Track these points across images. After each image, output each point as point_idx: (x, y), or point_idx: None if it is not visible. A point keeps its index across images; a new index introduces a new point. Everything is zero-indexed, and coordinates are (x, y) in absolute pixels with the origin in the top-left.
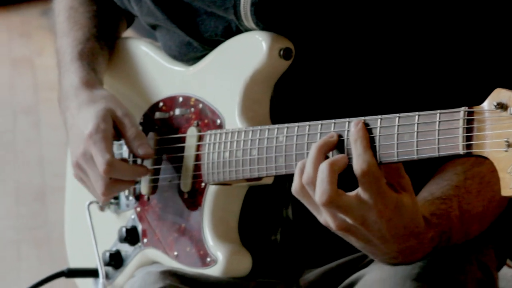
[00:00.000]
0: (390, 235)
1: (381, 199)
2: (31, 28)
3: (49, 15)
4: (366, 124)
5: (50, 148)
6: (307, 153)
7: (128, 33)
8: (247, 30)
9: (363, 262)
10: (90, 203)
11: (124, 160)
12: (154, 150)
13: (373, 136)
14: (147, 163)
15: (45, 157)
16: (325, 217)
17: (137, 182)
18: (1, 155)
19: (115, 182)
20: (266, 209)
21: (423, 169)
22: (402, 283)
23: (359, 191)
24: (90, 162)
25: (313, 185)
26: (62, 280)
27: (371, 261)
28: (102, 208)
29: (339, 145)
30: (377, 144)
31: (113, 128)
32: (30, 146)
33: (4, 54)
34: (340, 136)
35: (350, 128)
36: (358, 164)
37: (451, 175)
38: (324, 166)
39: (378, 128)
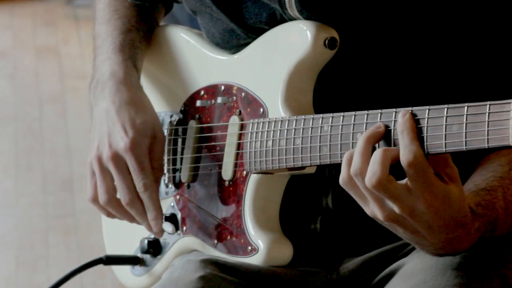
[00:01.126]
0: (437, 226)
1: (429, 190)
2: (56, 17)
3: (73, 4)
4: (413, 115)
5: (76, 136)
6: (353, 143)
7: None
8: (291, 18)
9: (403, 251)
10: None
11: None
12: (194, 138)
13: (421, 127)
14: (188, 151)
15: (71, 145)
16: (372, 208)
17: (177, 170)
18: (28, 143)
19: (140, 203)
20: (306, 198)
21: (468, 160)
22: (443, 272)
23: (407, 181)
24: (121, 169)
25: (361, 176)
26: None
27: (411, 250)
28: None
29: (386, 135)
30: (424, 135)
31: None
32: (56, 135)
33: (29, 43)
34: (387, 126)
35: (398, 119)
36: (405, 155)
37: (495, 166)
38: (378, 152)
39: (426, 119)
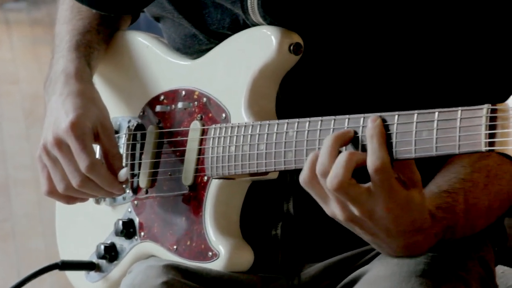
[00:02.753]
0: (396, 231)
1: (391, 196)
2: None
3: (4, 8)
4: (383, 121)
5: (10, 140)
6: (319, 149)
7: None
8: (254, 24)
9: (365, 258)
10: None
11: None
12: (153, 143)
13: (390, 133)
14: (147, 156)
15: (6, 150)
16: (333, 208)
17: (135, 175)
18: None
19: (93, 181)
20: (267, 204)
21: (432, 162)
22: (407, 279)
23: (370, 185)
24: (65, 152)
25: (326, 175)
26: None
27: (374, 256)
28: (97, 201)
29: (354, 140)
30: (393, 140)
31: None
32: None
33: None
34: (355, 132)
35: (367, 124)
36: (372, 161)
37: (458, 167)
38: (343, 154)
39: (395, 125)
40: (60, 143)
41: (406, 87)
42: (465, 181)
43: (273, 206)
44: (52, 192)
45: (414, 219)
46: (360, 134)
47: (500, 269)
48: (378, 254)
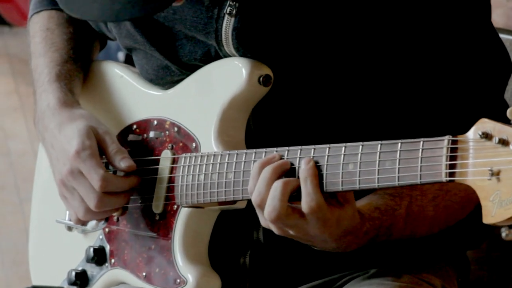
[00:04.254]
0: (329, 239)
1: (325, 224)
2: None
3: None
4: (315, 162)
5: None
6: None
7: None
8: (226, 55)
9: (333, 286)
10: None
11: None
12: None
13: (322, 173)
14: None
15: None
16: (269, 225)
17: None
18: None
19: (109, 196)
20: (237, 232)
21: None
22: None
23: (306, 215)
24: (79, 179)
25: (263, 204)
26: None
27: (342, 285)
28: (69, 228)
29: (290, 172)
30: (340, 171)
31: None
32: None
33: None
34: (291, 164)
35: (301, 165)
36: (307, 202)
37: None
38: (278, 184)
39: (342, 155)
40: (72, 172)
41: (371, 117)
42: (414, 189)
43: (242, 234)
44: (78, 220)
45: (345, 228)
46: (296, 165)
47: None
48: (345, 283)
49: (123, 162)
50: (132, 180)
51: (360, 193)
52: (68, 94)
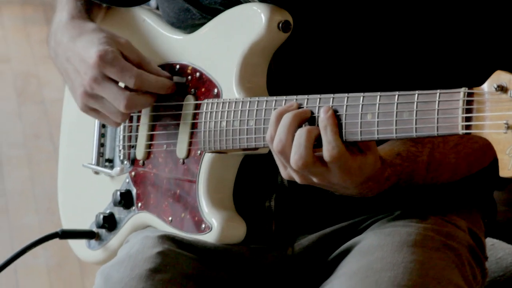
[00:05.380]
0: (351, 186)
1: (347, 172)
2: None
3: None
4: (335, 111)
5: (3, 118)
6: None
7: None
8: (246, 0)
9: (358, 228)
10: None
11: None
12: (150, 116)
13: (340, 123)
14: (143, 128)
15: None
16: (291, 175)
17: (132, 147)
18: None
19: (138, 96)
20: (261, 176)
21: None
22: (399, 249)
23: (328, 163)
24: (105, 84)
25: (286, 151)
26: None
27: (367, 227)
28: (96, 172)
29: (310, 120)
30: (359, 121)
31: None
32: None
33: None
34: (312, 112)
35: (320, 114)
36: (329, 151)
37: None
38: (302, 132)
39: (360, 106)
40: (96, 79)
41: (395, 66)
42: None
43: (267, 178)
44: (118, 124)
45: (368, 175)
46: (316, 114)
47: (490, 242)
48: (370, 225)
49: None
50: (165, 81)
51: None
52: (83, 12)
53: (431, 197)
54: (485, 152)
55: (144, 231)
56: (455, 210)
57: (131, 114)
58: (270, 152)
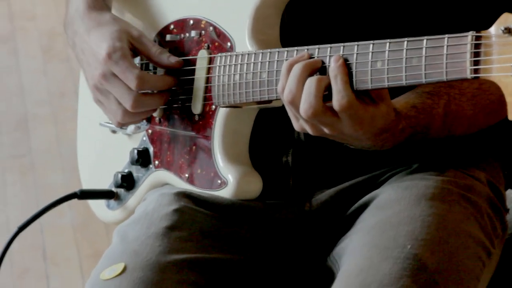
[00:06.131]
0: (364, 137)
1: (358, 122)
2: None
3: None
4: (345, 60)
5: (28, 76)
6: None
7: None
8: None
9: (376, 182)
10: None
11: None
12: (165, 72)
13: (366, 62)
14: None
15: (24, 85)
16: (303, 126)
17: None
18: None
19: (145, 96)
20: (277, 131)
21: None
22: (417, 203)
23: (338, 113)
24: (113, 81)
25: (296, 101)
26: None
27: (384, 181)
28: (114, 131)
29: (321, 70)
30: (369, 69)
31: (129, 49)
32: (8, 75)
33: None
34: (323, 62)
35: (330, 63)
36: (338, 100)
37: None
38: (312, 81)
39: (370, 53)
40: (105, 76)
41: (400, 10)
42: (453, 87)
43: (283, 133)
44: (119, 123)
45: (380, 126)
46: (327, 64)
47: (511, 194)
48: (388, 179)
49: (172, 58)
50: (168, 79)
51: (396, 91)
52: (98, 0)
53: (450, 149)
54: (502, 103)
55: (161, 189)
56: (474, 163)
57: (147, 71)
58: (284, 107)
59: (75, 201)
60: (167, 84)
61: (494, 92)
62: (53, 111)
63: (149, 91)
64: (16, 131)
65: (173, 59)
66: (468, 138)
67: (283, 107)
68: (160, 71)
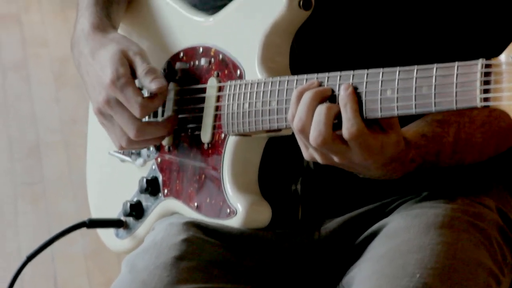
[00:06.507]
0: (374, 167)
1: (367, 151)
2: None
3: None
4: (355, 88)
5: (41, 103)
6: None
7: None
8: None
9: (385, 211)
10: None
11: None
12: (174, 100)
13: (376, 90)
14: (168, 114)
15: (36, 112)
16: (313, 155)
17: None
18: None
19: (148, 125)
20: (287, 159)
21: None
22: (426, 231)
23: (348, 141)
24: (117, 108)
25: (306, 132)
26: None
27: (393, 209)
28: (123, 160)
29: (331, 98)
30: (378, 97)
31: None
32: (21, 102)
33: None
34: (332, 91)
35: (340, 92)
36: (347, 128)
37: None
38: (321, 109)
39: (380, 81)
40: (109, 102)
41: (414, 42)
42: (462, 115)
43: (292, 162)
44: (122, 147)
45: (390, 155)
46: (336, 92)
47: None
48: (397, 207)
49: (153, 83)
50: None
51: (406, 118)
52: (103, 19)
53: (459, 177)
54: None
55: (169, 218)
56: (484, 190)
57: None
58: (294, 134)
59: (86, 229)
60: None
61: (504, 119)
62: (65, 138)
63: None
64: (28, 158)
65: (154, 85)
66: (478, 165)
67: (292, 135)
68: (169, 101)
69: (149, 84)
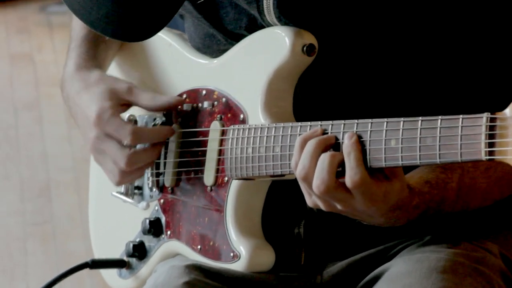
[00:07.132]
0: (377, 215)
1: (370, 199)
2: (29, 24)
3: (47, 11)
4: (359, 137)
5: (52, 142)
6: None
7: None
8: (269, 25)
9: (387, 255)
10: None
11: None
12: (177, 143)
13: (365, 149)
14: (171, 155)
15: (48, 152)
16: (316, 202)
17: (160, 174)
18: (4, 151)
19: (137, 153)
20: (290, 202)
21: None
22: (428, 276)
23: (351, 190)
24: (106, 141)
25: (309, 178)
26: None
27: (396, 253)
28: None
29: (335, 146)
30: (382, 147)
31: (119, 106)
32: (32, 142)
33: (3, 51)
34: (336, 138)
35: (344, 140)
36: (352, 177)
37: None
38: (325, 157)
39: (384, 131)
40: (99, 137)
41: (418, 90)
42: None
43: (295, 205)
44: (118, 182)
45: (394, 203)
46: (340, 140)
47: None
48: (399, 251)
49: (169, 100)
50: (163, 130)
51: (410, 167)
52: (88, 60)
53: (462, 221)
54: None
55: (171, 260)
56: (487, 234)
57: None
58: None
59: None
60: (163, 135)
61: (507, 164)
62: (76, 178)
63: (142, 146)
64: (39, 198)
65: (171, 99)
66: (482, 209)
67: (295, 178)
68: (172, 143)
69: (165, 103)
